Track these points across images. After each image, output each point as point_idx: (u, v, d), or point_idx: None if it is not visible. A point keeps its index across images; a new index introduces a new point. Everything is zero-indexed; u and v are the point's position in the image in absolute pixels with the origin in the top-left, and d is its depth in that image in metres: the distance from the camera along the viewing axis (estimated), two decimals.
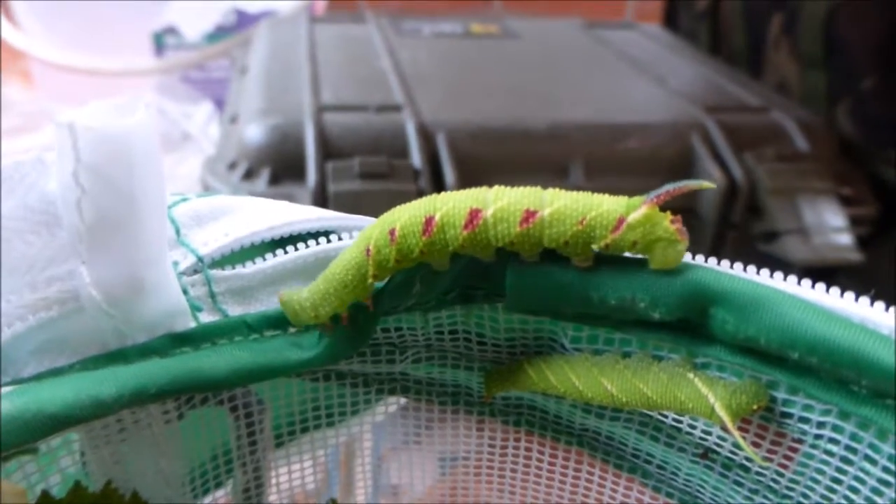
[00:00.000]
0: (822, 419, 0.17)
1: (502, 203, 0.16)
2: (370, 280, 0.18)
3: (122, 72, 0.82)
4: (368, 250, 0.18)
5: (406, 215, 0.17)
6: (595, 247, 0.16)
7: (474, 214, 0.17)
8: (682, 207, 0.48)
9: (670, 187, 0.16)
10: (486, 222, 0.17)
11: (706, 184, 0.16)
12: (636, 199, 0.16)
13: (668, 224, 0.16)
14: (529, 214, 0.16)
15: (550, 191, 0.17)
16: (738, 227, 0.48)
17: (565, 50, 0.67)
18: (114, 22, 0.85)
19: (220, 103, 0.77)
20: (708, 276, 0.16)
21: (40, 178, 0.18)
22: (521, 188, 0.17)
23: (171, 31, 0.84)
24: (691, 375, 0.17)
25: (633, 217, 0.16)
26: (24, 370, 0.18)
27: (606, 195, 0.16)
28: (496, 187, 0.17)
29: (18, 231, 0.17)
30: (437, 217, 0.17)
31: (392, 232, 0.17)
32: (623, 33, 0.74)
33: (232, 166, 0.46)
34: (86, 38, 0.84)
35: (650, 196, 0.16)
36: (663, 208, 0.16)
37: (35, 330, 0.18)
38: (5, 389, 0.17)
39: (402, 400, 0.25)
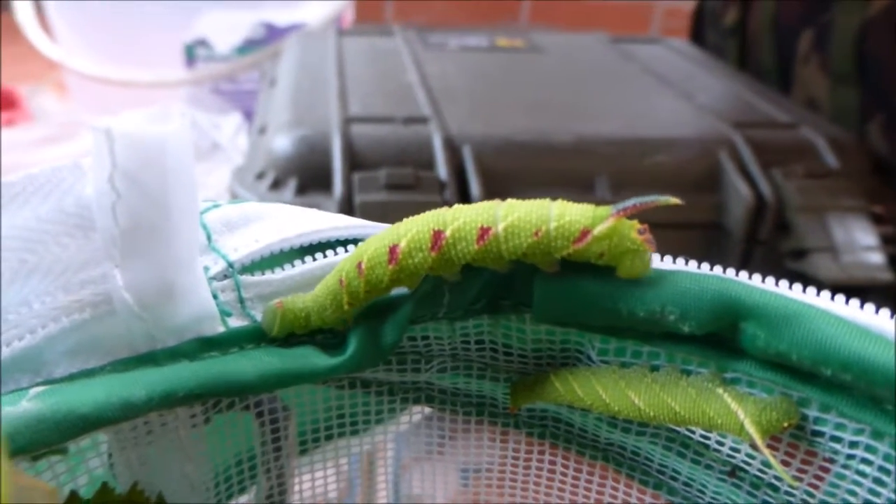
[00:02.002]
0: (854, 438, 0.16)
1: (458, 223, 0.17)
2: (346, 307, 0.18)
3: (154, 83, 0.84)
4: (342, 281, 0.18)
5: (372, 247, 0.17)
6: (556, 256, 0.16)
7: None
8: (710, 223, 0.47)
9: (637, 201, 0.16)
10: (448, 245, 0.17)
11: (673, 199, 0.16)
12: (603, 210, 0.16)
13: (636, 235, 0.16)
14: (484, 232, 0.16)
15: (506, 203, 0.17)
16: (767, 244, 0.47)
17: (591, 64, 0.67)
18: (146, 34, 0.87)
19: (249, 114, 0.78)
20: (739, 290, 0.16)
21: (77, 182, 0.18)
22: (477, 204, 0.17)
23: (203, 43, 0.86)
24: (720, 391, 0.17)
25: (600, 229, 0.16)
26: (56, 370, 0.18)
27: (569, 204, 0.16)
28: (456, 206, 0.17)
29: (54, 234, 0.18)
30: (408, 241, 0.17)
31: (360, 265, 0.18)
32: (649, 48, 0.73)
33: (260, 176, 0.47)
34: (119, 50, 0.86)
35: (617, 208, 0.16)
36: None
37: (68, 331, 0.18)
38: (38, 389, 0.17)
39: (426, 409, 0.24)
